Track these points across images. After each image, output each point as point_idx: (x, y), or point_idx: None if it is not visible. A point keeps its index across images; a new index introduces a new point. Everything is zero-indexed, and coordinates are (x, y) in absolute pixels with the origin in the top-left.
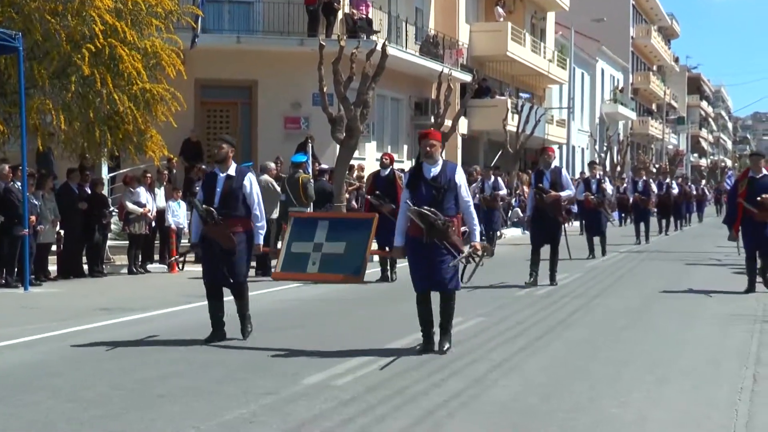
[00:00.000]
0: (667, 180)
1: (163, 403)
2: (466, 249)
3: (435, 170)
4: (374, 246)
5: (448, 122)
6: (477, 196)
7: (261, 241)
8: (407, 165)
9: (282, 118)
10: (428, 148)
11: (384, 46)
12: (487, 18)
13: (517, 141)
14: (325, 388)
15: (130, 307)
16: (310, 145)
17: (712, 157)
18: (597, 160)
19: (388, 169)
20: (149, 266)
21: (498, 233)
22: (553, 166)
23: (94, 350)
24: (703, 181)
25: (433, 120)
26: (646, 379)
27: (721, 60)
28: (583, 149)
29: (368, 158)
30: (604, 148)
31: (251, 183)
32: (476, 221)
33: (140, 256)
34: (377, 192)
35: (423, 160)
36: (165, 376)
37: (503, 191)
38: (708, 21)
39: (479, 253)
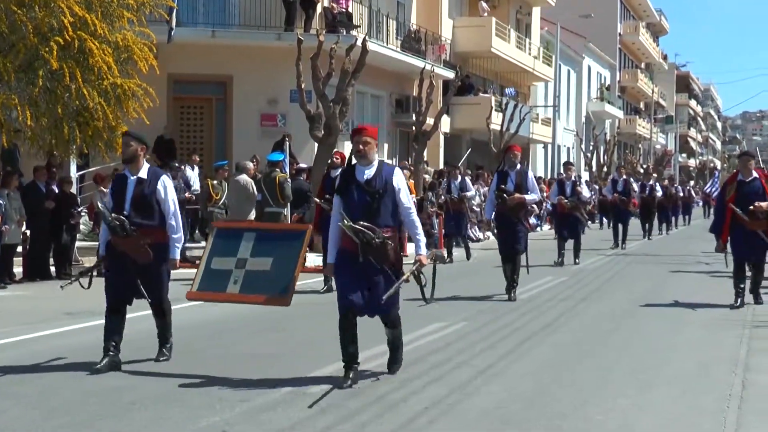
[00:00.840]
0: (651, 181)
1: (134, 410)
2: (424, 262)
3: (369, 172)
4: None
5: (430, 120)
6: (443, 197)
7: (177, 256)
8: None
9: (258, 115)
10: (361, 147)
11: (364, 41)
12: (470, 13)
13: (501, 140)
14: (302, 395)
15: (99, 311)
16: (287, 143)
17: (701, 157)
18: (573, 161)
19: (339, 170)
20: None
21: (474, 237)
22: (518, 166)
23: (61, 356)
24: (692, 182)
25: (414, 118)
26: (632, 385)
27: (710, 58)
28: (569, 149)
29: (348, 157)
30: (591, 148)
31: (166, 187)
32: (419, 230)
33: None
34: (327, 196)
35: (356, 161)
36: (136, 383)
37: (471, 192)
38: (697, 18)
39: (433, 261)
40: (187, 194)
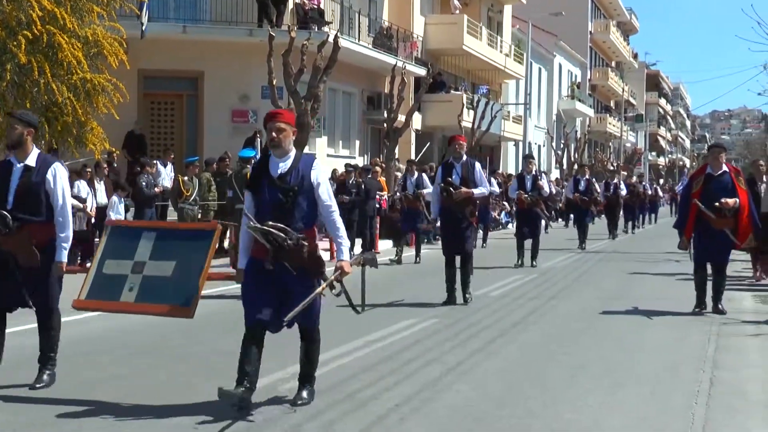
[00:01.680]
0: (615, 180)
1: (106, 408)
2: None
3: (284, 165)
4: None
5: (401, 117)
6: (398, 194)
7: (64, 259)
8: (361, 162)
9: (229, 111)
10: (275, 134)
11: (336, 37)
12: (442, 10)
13: (472, 137)
14: (271, 393)
15: (68, 307)
16: (258, 139)
17: (670, 155)
18: (544, 159)
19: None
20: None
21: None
22: (464, 158)
23: (28, 353)
24: (661, 180)
25: (386, 115)
26: (601, 383)
27: (679, 57)
28: (540, 146)
29: (319, 154)
30: (562, 146)
31: (56, 177)
32: (342, 232)
33: (80, 253)
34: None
35: (270, 151)
36: (108, 379)
37: (427, 189)
38: (667, 17)
39: (361, 266)
40: (156, 189)
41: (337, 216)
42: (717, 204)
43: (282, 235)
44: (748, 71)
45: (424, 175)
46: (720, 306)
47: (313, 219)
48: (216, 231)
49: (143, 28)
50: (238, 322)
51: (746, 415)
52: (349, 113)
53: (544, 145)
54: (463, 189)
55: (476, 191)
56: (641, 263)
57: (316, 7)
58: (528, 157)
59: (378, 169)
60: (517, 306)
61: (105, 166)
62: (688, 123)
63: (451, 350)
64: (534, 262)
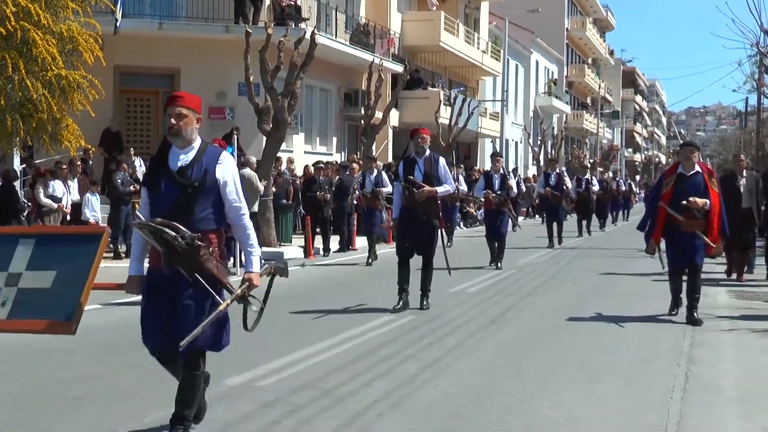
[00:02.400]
0: (587, 175)
1: (80, 406)
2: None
3: (185, 158)
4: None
5: (378, 114)
6: (357, 192)
7: None
8: (338, 158)
9: (206, 109)
10: (174, 121)
11: (313, 34)
12: (419, 7)
13: (449, 134)
14: (248, 390)
15: None
16: (235, 136)
17: (646, 152)
18: (521, 155)
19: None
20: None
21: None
22: (428, 152)
23: (3, 351)
24: (638, 177)
25: (363, 111)
26: (578, 379)
27: (655, 54)
28: (516, 143)
29: (296, 151)
30: (539, 142)
31: None
32: (253, 239)
33: None
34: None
35: (170, 140)
36: (83, 378)
37: (387, 188)
38: (643, 14)
39: (270, 276)
40: (132, 187)
41: (247, 220)
42: (684, 202)
43: (172, 233)
44: (723, 68)
45: (383, 173)
46: (695, 315)
47: (219, 221)
48: (104, 234)
49: (117, 24)
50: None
51: (721, 409)
52: (326, 110)
53: (521, 142)
54: (426, 187)
55: (440, 189)
56: (617, 259)
57: (292, 3)
58: (495, 155)
59: (355, 165)
60: (494, 302)
61: (79, 163)
62: (663, 120)
63: (428, 347)
64: (499, 264)
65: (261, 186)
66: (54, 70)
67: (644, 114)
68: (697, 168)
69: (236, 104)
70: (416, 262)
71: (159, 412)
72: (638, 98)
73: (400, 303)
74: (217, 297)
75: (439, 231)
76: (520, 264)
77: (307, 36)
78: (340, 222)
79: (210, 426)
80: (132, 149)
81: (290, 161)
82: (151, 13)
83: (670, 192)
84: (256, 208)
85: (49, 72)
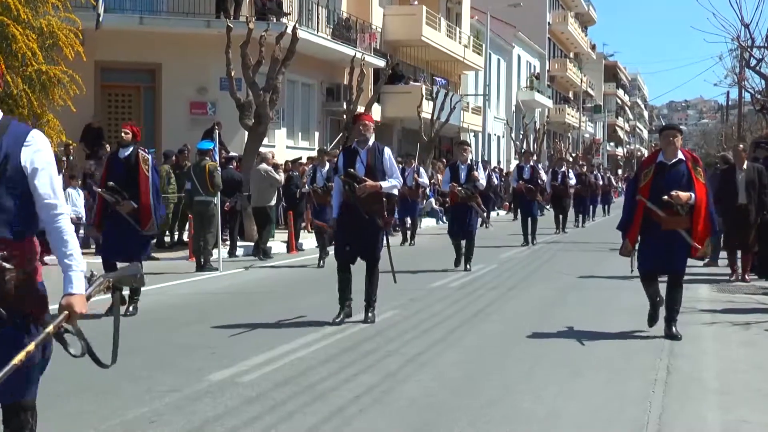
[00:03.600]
0: (563, 168)
1: (61, 402)
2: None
3: None
4: None
5: (360, 108)
6: (307, 187)
7: None
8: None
9: (187, 103)
10: None
11: (294, 29)
12: (401, 1)
13: (431, 128)
14: (231, 385)
15: None
16: (216, 131)
17: (628, 146)
18: (503, 150)
19: (130, 148)
20: (46, 258)
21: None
22: (371, 142)
23: None
24: (620, 171)
25: (345, 106)
26: (560, 373)
27: (637, 48)
28: (499, 137)
29: (278, 146)
30: (521, 137)
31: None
32: (73, 249)
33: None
34: (111, 183)
35: None
36: (63, 374)
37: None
38: (625, 9)
39: (116, 284)
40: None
41: (65, 222)
42: (665, 198)
43: None
44: (705, 62)
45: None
46: (674, 329)
47: (28, 225)
48: None
49: (100, 18)
50: (209, 310)
51: (702, 402)
52: (308, 105)
53: (503, 136)
54: (369, 182)
55: (385, 184)
56: (599, 253)
57: None
58: (462, 144)
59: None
60: (476, 296)
61: (64, 159)
62: (645, 113)
63: (410, 341)
64: (468, 265)
65: (280, 177)
66: (34, 65)
67: (626, 108)
68: (681, 155)
69: (218, 99)
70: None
71: (141, 409)
72: (620, 92)
73: (341, 315)
74: (29, 331)
75: (385, 232)
76: (501, 258)
77: (289, 31)
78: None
79: (192, 422)
80: (108, 145)
81: (272, 156)
82: (132, 8)
83: (649, 184)
84: (273, 201)
85: (29, 67)
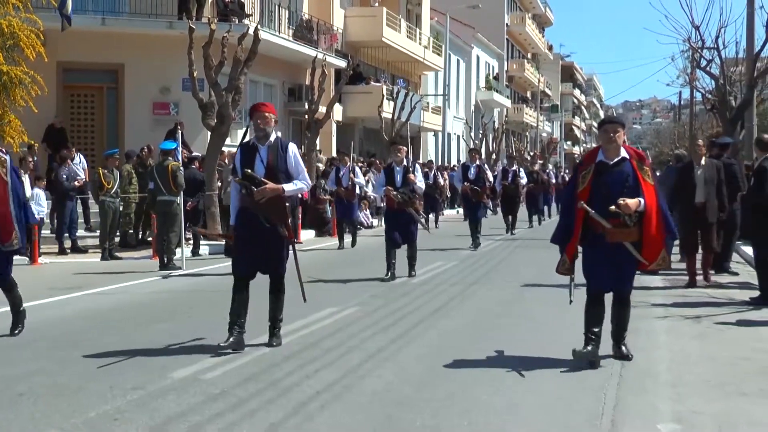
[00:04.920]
0: (514, 167)
1: (24, 401)
2: None
3: None
4: None
5: (322, 109)
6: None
7: None
8: None
9: (150, 104)
10: None
11: (256, 30)
12: (361, 3)
13: (392, 128)
14: (194, 382)
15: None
16: (179, 131)
17: (584, 144)
18: (463, 149)
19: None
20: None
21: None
22: (273, 138)
23: None
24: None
25: (307, 106)
26: (519, 366)
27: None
28: (459, 136)
29: None
30: (480, 136)
31: None
32: None
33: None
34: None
35: None
36: (27, 374)
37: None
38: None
39: None
40: (76, 182)
41: None
42: (612, 208)
43: None
44: (658, 63)
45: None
46: (624, 348)
47: None
48: None
49: (69, 14)
50: (172, 308)
51: (654, 394)
52: None
53: (463, 135)
54: (270, 184)
55: (289, 187)
56: (554, 251)
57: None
58: (394, 144)
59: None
60: (438, 292)
61: (29, 160)
62: (601, 113)
63: (372, 337)
64: (413, 272)
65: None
66: None
67: (582, 107)
68: (624, 153)
69: (180, 99)
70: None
71: (104, 407)
72: (576, 92)
73: (230, 339)
74: None
75: (290, 243)
76: (464, 254)
77: (251, 32)
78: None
79: (155, 419)
80: (74, 147)
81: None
82: (94, 8)
83: (589, 188)
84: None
85: None
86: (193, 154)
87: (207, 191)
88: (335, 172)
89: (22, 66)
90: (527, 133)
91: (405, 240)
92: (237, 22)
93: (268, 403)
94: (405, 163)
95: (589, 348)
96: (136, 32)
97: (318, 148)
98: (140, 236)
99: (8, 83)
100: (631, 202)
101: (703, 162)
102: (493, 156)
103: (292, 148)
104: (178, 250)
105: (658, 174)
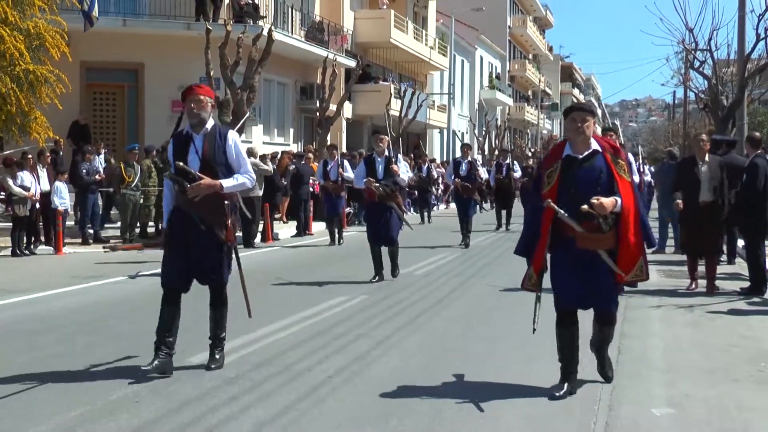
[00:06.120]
0: (507, 161)
1: (49, 384)
2: None
3: None
4: None
5: (333, 106)
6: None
7: None
8: (294, 148)
9: (169, 101)
10: None
11: (270, 31)
12: (371, 5)
13: (399, 125)
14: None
15: (11, 290)
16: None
17: None
18: (383, 132)
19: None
20: (38, 248)
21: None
22: (211, 125)
23: None
24: None
25: (318, 104)
26: (517, 355)
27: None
28: (463, 133)
29: (255, 141)
30: (483, 133)
31: None
32: None
33: (24, 237)
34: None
35: None
36: (51, 357)
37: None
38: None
39: None
40: (97, 176)
41: None
42: (585, 207)
43: None
44: (653, 63)
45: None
46: (607, 368)
47: None
48: None
49: (95, 17)
50: (189, 296)
51: (649, 380)
52: (283, 103)
53: (467, 132)
54: (206, 179)
55: (228, 182)
56: None
57: (251, 2)
58: (376, 134)
59: (311, 155)
60: (441, 283)
61: (48, 154)
62: (599, 111)
63: (379, 325)
64: (397, 271)
65: (268, 167)
66: (22, 65)
67: None
68: (595, 145)
69: None
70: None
71: (125, 390)
72: (575, 91)
73: (154, 363)
74: None
75: (232, 248)
76: (475, 242)
77: (265, 33)
78: (297, 208)
79: (174, 401)
80: (102, 143)
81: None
82: (116, 10)
83: (556, 187)
84: (260, 192)
85: (17, 67)
86: None
87: None
88: (323, 165)
89: (47, 65)
90: (528, 131)
91: (386, 238)
92: (252, 23)
93: (281, 386)
94: (387, 153)
95: (566, 387)
96: (155, 33)
97: (329, 143)
98: (159, 228)
99: (34, 81)
100: (607, 202)
101: (707, 158)
102: (496, 152)
103: (233, 136)
104: None
105: (652, 170)
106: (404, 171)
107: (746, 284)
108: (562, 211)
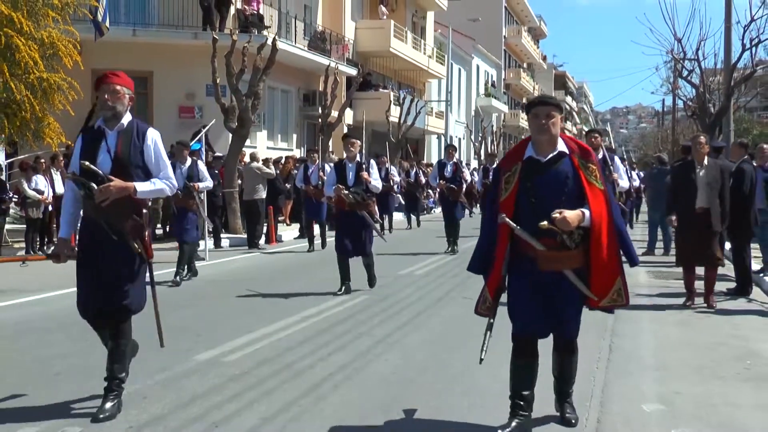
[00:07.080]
0: (494, 164)
1: (61, 380)
2: None
3: None
4: None
5: (334, 113)
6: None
7: None
8: (297, 153)
9: (177, 108)
10: None
11: (274, 40)
12: (371, 16)
13: (399, 131)
14: (216, 364)
15: (24, 289)
16: (203, 132)
17: None
18: (464, 151)
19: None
20: (51, 249)
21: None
22: (127, 121)
23: None
24: None
25: (320, 111)
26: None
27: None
28: (460, 139)
29: (259, 146)
30: (479, 139)
31: None
32: None
33: (38, 239)
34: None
35: None
36: (62, 355)
37: (204, 183)
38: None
39: None
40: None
41: None
42: (545, 224)
43: None
44: (643, 72)
45: (200, 162)
46: (568, 411)
47: None
48: None
49: (106, 27)
50: (196, 296)
51: (639, 377)
52: (286, 109)
53: (464, 138)
54: (116, 181)
55: (143, 186)
56: None
57: (255, 12)
58: (347, 136)
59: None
60: (440, 283)
61: (61, 158)
62: (591, 118)
63: (380, 324)
64: (373, 281)
65: (270, 170)
66: (36, 73)
67: (574, 113)
68: (562, 146)
69: (204, 104)
70: None
71: (134, 386)
72: (568, 99)
73: (104, 413)
74: None
75: (145, 263)
76: (464, 248)
77: (269, 42)
78: (300, 211)
79: (181, 398)
80: None
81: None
82: (126, 20)
83: (514, 195)
84: (264, 194)
85: (31, 75)
86: (217, 154)
87: (228, 188)
88: (303, 169)
89: (60, 73)
90: (523, 136)
91: (356, 249)
92: (256, 33)
93: (284, 383)
94: (358, 159)
95: (515, 424)
96: (163, 42)
97: (330, 149)
98: (167, 229)
99: (48, 89)
100: (570, 215)
101: (705, 162)
102: (461, 154)
103: (153, 135)
104: (201, 242)
105: (641, 174)
106: (375, 178)
107: (733, 285)
108: (519, 228)
